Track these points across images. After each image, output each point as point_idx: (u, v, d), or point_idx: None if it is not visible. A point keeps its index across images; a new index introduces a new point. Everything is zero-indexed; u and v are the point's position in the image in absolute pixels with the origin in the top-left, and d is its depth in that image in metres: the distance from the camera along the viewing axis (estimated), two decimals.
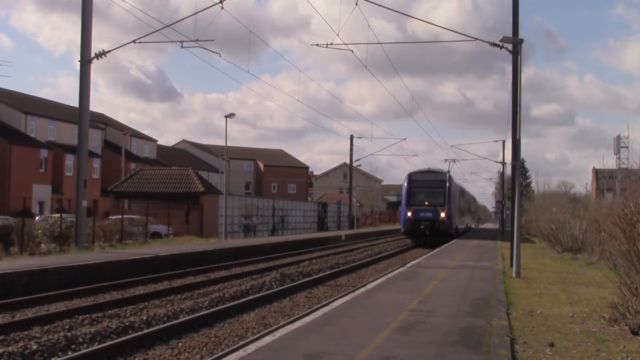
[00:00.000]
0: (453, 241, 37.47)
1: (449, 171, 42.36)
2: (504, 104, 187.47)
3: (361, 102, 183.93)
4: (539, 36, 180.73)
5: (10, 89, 63.33)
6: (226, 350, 9.56)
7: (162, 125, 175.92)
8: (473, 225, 70.82)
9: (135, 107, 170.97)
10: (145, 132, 74.90)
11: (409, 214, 37.30)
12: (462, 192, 49.93)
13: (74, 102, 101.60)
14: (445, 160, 56.07)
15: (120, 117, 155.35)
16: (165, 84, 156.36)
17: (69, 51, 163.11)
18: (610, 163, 64.12)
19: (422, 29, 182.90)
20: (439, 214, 37.03)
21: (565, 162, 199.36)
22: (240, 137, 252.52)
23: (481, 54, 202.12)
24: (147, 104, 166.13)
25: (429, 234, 37.32)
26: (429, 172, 40.26)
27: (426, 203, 37.41)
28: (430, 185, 38.25)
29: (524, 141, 17.50)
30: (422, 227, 36.99)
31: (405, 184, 38.79)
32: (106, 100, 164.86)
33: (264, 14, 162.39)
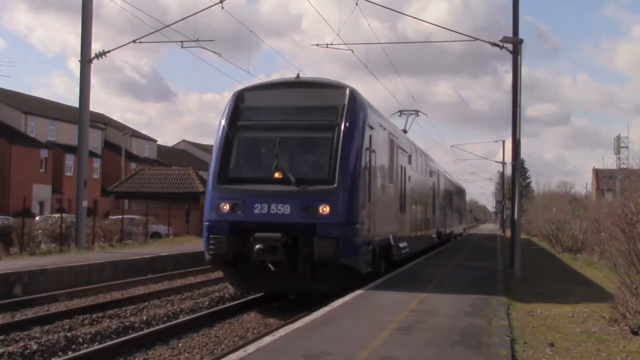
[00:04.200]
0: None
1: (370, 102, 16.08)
2: (499, 104, 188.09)
3: None
4: (530, 36, 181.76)
5: (9, 89, 63.34)
6: (226, 350, 9.57)
7: (159, 125, 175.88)
8: (460, 231, 49.08)
9: (130, 107, 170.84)
10: (143, 132, 75.19)
11: (224, 207, 13.72)
12: (419, 159, 23.75)
13: (70, 102, 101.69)
14: (400, 113, 29.40)
15: (116, 117, 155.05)
16: (160, 84, 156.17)
17: (62, 52, 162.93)
18: (610, 163, 64.19)
19: (412, 29, 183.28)
20: (317, 209, 13.32)
21: (563, 162, 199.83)
22: None
23: (474, 54, 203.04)
24: (143, 104, 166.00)
25: (275, 271, 13.40)
26: (290, 84, 15.20)
27: (276, 175, 13.73)
28: (290, 124, 14.53)
29: (522, 141, 17.64)
30: (258, 247, 13.06)
31: (223, 121, 14.65)
32: (101, 100, 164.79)
33: (255, 14, 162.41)
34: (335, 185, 13.43)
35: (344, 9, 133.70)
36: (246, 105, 14.80)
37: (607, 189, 51.63)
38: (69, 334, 10.74)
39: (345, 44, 23.89)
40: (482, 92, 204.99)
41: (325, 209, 13.30)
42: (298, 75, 15.53)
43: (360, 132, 14.13)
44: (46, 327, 11.49)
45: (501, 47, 19.77)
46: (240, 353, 7.72)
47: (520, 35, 20.04)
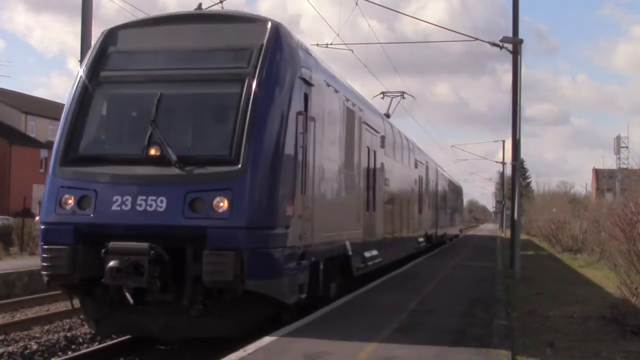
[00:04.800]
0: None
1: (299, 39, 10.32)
2: (498, 104, 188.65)
3: None
4: (528, 36, 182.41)
5: (9, 89, 63.43)
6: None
7: None
8: (456, 232, 45.55)
9: None
10: None
11: (68, 202, 8.76)
12: (398, 144, 19.32)
13: None
14: (384, 95, 25.17)
15: None
16: None
17: (61, 52, 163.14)
18: (610, 163, 64.22)
19: (411, 29, 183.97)
20: (209, 203, 8.41)
21: (563, 162, 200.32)
22: None
23: (473, 55, 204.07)
24: None
25: (140, 301, 8.44)
26: (186, 18, 10.20)
27: (151, 152, 8.81)
28: (178, 74, 9.48)
29: (522, 141, 17.76)
30: (112, 265, 8.13)
31: (81, 72, 9.68)
32: None
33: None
34: (240, 165, 8.52)
35: (343, 9, 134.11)
36: (118, 49, 9.79)
37: (607, 189, 51.64)
38: (69, 334, 10.74)
39: (344, 43, 23.84)
40: (482, 92, 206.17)
41: (222, 204, 8.41)
42: (200, 6, 10.49)
43: (287, 87, 9.20)
44: (46, 327, 11.50)
45: (501, 47, 19.80)
46: (241, 353, 7.71)
47: (520, 35, 20.08)
